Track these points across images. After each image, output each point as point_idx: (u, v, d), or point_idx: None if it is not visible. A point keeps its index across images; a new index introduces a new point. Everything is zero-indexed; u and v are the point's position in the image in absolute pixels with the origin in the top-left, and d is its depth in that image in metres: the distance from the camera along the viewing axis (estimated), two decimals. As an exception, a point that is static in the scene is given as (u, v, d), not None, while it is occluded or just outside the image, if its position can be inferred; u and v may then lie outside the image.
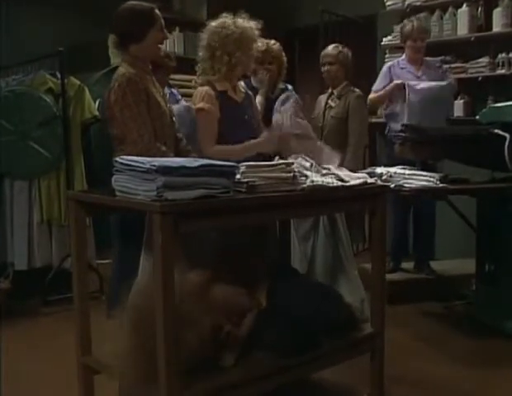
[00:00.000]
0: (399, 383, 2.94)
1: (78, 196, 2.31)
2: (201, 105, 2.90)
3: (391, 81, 4.58)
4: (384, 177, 3.54)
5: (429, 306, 4.25)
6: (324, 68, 4.44)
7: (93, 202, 2.27)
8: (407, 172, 3.60)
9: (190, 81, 4.48)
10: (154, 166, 1.97)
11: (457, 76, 5.34)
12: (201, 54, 3.04)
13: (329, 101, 4.40)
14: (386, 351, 2.67)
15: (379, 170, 3.66)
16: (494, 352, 3.41)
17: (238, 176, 2.26)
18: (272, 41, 3.85)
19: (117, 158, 2.14)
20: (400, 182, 3.50)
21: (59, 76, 4.23)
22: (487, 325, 3.70)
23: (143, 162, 2.02)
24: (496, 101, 4.76)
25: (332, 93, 4.45)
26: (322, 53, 4.52)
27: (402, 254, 4.64)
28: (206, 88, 2.95)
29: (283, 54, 3.91)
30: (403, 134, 3.76)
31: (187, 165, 2.03)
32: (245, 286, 2.39)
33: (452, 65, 5.42)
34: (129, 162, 2.09)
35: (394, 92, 4.52)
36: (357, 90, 4.44)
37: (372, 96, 4.68)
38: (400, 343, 3.45)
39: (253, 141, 2.94)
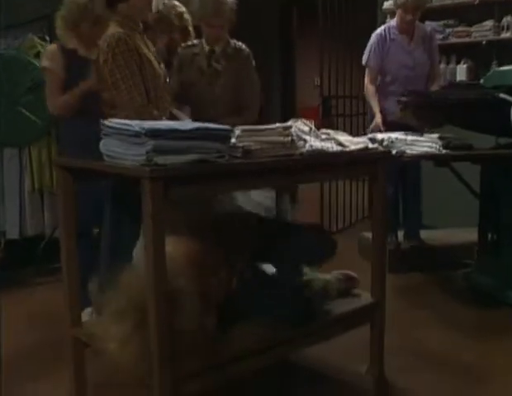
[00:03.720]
0: (398, 353, 2.86)
1: (65, 162, 2.19)
2: (44, 64, 3.13)
3: (383, 53, 4.32)
4: (385, 143, 3.44)
5: (431, 275, 4.18)
6: (211, 31, 3.28)
7: (81, 168, 2.16)
8: (409, 137, 3.50)
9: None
10: (142, 129, 1.85)
11: (461, 40, 5.21)
12: None
13: (214, 63, 3.34)
14: (386, 321, 2.58)
15: (380, 136, 3.56)
16: (495, 322, 3.34)
17: (233, 141, 2.16)
18: (177, 8, 3.41)
19: (105, 122, 2.03)
20: (402, 148, 3.41)
21: (48, 39, 4.08)
22: (489, 295, 3.63)
23: (131, 125, 1.90)
24: (500, 66, 4.61)
25: (213, 51, 3.33)
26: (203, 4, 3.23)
27: (395, 224, 4.52)
28: (52, 46, 3.18)
29: (187, 18, 3.43)
30: (404, 99, 3.64)
31: (179, 128, 1.92)
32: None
33: (456, 29, 5.27)
34: (117, 126, 1.97)
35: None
36: (243, 46, 3.43)
37: (368, 89, 4.40)
38: (400, 313, 3.37)
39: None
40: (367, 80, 4.43)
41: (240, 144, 2.14)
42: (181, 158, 1.90)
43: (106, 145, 2.02)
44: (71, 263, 2.24)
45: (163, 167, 1.84)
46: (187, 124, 1.98)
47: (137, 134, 1.87)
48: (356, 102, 6.08)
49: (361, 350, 2.66)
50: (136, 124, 1.90)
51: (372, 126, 4.30)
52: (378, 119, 4.23)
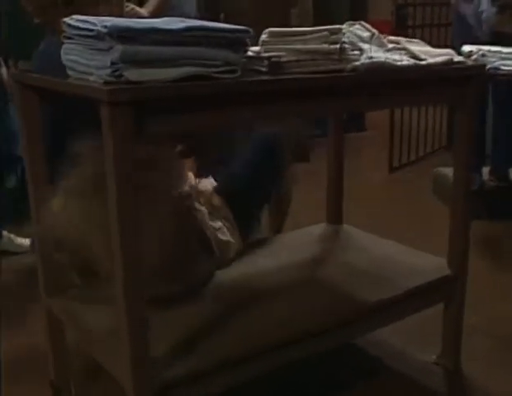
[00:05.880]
0: (476, 335, 2.18)
1: (24, 78, 1.59)
2: None
3: None
4: (474, 57, 2.67)
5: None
6: None
7: (39, 86, 1.55)
8: (505, 50, 2.73)
9: None
10: (104, 27, 1.22)
11: None
12: None
13: None
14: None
15: (467, 48, 2.78)
16: None
17: (256, 49, 1.51)
18: None
19: (65, 20, 1.40)
20: (496, 64, 2.66)
21: None
22: None
23: (93, 23, 1.27)
24: None
25: None
26: None
27: (480, 159, 3.70)
28: None
29: None
30: (503, -1, 2.82)
31: (164, 27, 1.27)
32: None
33: None
34: (77, 24, 1.34)
35: None
36: None
37: None
38: (480, 277, 2.65)
39: None
40: None
41: (266, 54, 1.49)
42: (165, 73, 1.26)
43: (68, 53, 1.40)
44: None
45: (136, 85, 1.22)
46: (174, 21, 1.32)
47: (99, 36, 1.24)
48: (438, 10, 5.16)
49: (428, 331, 2.03)
50: (100, 22, 1.26)
51: None
52: None
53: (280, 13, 2.74)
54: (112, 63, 1.22)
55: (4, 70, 2.80)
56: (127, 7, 2.27)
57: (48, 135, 1.68)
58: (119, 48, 1.21)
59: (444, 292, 1.88)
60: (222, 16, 2.67)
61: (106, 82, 1.22)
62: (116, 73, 1.22)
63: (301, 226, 2.42)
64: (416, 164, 4.93)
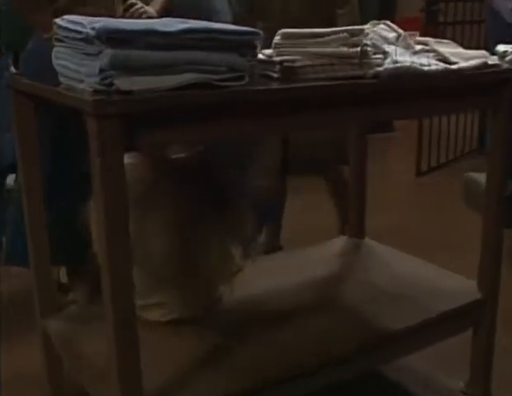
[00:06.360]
0: (508, 361, 2.02)
1: (16, 83, 1.47)
2: None
3: None
4: (509, 58, 2.48)
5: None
6: None
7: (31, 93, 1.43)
8: (545, 50, 2.52)
9: None
10: (92, 29, 1.09)
11: None
12: None
13: None
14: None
15: (501, 47, 2.59)
16: None
17: (267, 52, 1.37)
18: None
19: (57, 20, 1.27)
20: (534, 65, 2.45)
21: None
22: None
23: (82, 24, 1.14)
24: None
25: None
26: None
27: None
28: None
29: None
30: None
31: (160, 29, 1.14)
32: None
33: None
34: (66, 25, 1.21)
35: None
36: None
37: None
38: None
39: None
40: None
41: (278, 59, 1.35)
42: (161, 81, 1.13)
43: (58, 58, 1.28)
44: (36, 226, 1.57)
45: (129, 95, 1.09)
46: (173, 22, 1.19)
47: (88, 39, 1.12)
48: (471, 6, 4.94)
49: (455, 356, 1.87)
50: (89, 23, 1.13)
51: None
52: None
53: (325, 14, 2.57)
54: (101, 70, 1.09)
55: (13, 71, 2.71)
56: (136, 4, 2.14)
57: (46, 142, 1.58)
58: (108, 52, 1.08)
59: (473, 317, 1.72)
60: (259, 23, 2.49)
61: (96, 92, 1.09)
62: (106, 81, 1.09)
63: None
64: (445, 168, 4.73)
